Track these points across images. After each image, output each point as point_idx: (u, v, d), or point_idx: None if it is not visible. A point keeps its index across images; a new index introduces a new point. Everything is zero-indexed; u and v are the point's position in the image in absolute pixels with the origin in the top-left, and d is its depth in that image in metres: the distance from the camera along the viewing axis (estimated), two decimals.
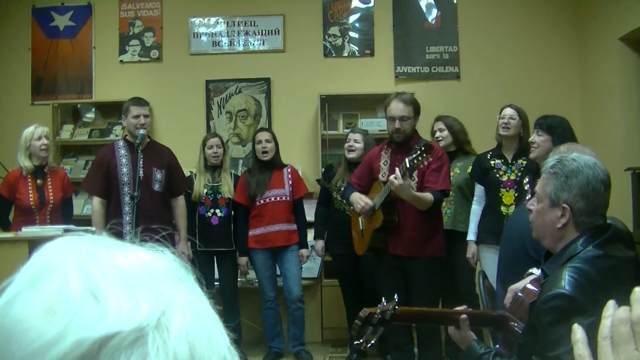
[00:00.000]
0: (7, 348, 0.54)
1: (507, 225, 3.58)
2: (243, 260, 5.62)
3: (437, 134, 5.27)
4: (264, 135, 5.57)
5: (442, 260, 4.66)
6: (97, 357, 0.52)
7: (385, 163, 4.64)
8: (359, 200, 4.56)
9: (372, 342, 2.33)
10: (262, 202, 5.50)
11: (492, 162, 4.79)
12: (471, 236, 4.91)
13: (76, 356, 0.51)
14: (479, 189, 4.92)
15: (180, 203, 5.17)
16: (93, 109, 7.10)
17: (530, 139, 4.09)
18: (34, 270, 0.58)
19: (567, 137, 3.99)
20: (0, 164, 6.59)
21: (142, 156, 4.87)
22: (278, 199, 5.51)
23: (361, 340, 2.34)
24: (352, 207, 4.78)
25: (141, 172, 4.83)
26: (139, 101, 5.00)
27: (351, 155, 5.44)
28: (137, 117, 4.89)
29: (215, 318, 0.61)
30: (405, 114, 4.52)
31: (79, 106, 7.11)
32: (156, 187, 4.93)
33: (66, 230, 4.28)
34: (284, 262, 5.55)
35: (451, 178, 5.12)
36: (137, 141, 4.75)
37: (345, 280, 5.64)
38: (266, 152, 5.50)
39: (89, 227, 4.37)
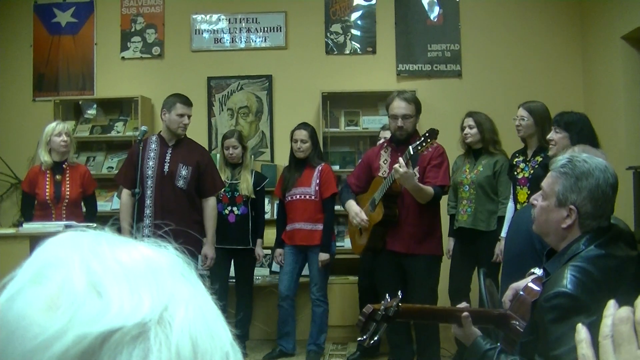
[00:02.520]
0: (9, 343, 0.53)
1: (513, 221, 3.57)
2: (277, 251, 5.62)
3: (466, 130, 5.22)
4: (300, 134, 5.48)
5: (440, 259, 4.67)
6: (99, 353, 0.52)
7: (386, 162, 4.66)
8: (356, 216, 4.61)
9: (376, 338, 2.33)
10: (289, 198, 5.51)
11: (515, 160, 4.80)
12: (503, 233, 4.86)
13: (78, 351, 0.51)
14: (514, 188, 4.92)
15: (209, 204, 5.07)
16: (95, 106, 7.10)
17: (548, 137, 4.05)
18: (37, 266, 0.58)
19: (586, 134, 3.93)
20: (2, 161, 6.63)
21: (170, 152, 4.90)
22: (302, 197, 5.47)
23: (364, 337, 2.34)
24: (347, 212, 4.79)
25: (167, 167, 4.85)
26: (187, 100, 5.00)
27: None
28: (182, 115, 4.90)
29: (217, 313, 0.61)
30: (408, 112, 4.55)
31: (80, 103, 7.11)
32: (180, 183, 4.89)
33: (67, 227, 4.28)
34: (309, 262, 5.55)
35: (473, 176, 5.10)
36: (139, 137, 4.75)
37: (365, 279, 5.58)
38: (301, 151, 5.47)
39: (90, 224, 4.37)
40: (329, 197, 5.47)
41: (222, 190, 5.49)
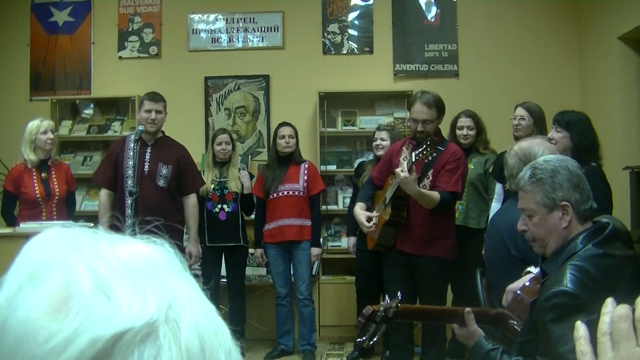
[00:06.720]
0: (19, 348, 0.53)
1: (489, 229, 3.57)
2: (258, 252, 5.66)
3: (465, 130, 5.23)
4: (287, 131, 5.58)
5: (450, 263, 4.55)
6: (111, 354, 0.52)
7: (405, 159, 4.60)
8: (362, 226, 4.54)
9: (375, 339, 2.34)
10: (275, 195, 5.52)
11: None
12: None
13: (92, 354, 0.52)
14: (498, 187, 4.88)
15: (190, 202, 5.06)
16: (91, 105, 7.08)
17: (548, 135, 4.05)
18: (32, 266, 0.58)
19: (586, 134, 3.94)
20: (0, 161, 6.60)
21: (150, 151, 4.87)
22: (290, 193, 5.52)
23: (364, 337, 2.34)
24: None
25: (147, 166, 4.83)
26: (154, 96, 4.96)
27: (380, 153, 5.43)
28: (148, 111, 4.87)
29: (215, 310, 0.62)
30: (428, 118, 4.42)
31: (77, 102, 7.09)
32: (161, 182, 4.87)
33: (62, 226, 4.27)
34: (294, 260, 5.56)
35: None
36: (136, 137, 4.72)
37: (363, 278, 5.58)
38: (289, 147, 5.54)
39: (84, 223, 4.36)
40: (317, 194, 5.61)
41: (212, 188, 5.53)
